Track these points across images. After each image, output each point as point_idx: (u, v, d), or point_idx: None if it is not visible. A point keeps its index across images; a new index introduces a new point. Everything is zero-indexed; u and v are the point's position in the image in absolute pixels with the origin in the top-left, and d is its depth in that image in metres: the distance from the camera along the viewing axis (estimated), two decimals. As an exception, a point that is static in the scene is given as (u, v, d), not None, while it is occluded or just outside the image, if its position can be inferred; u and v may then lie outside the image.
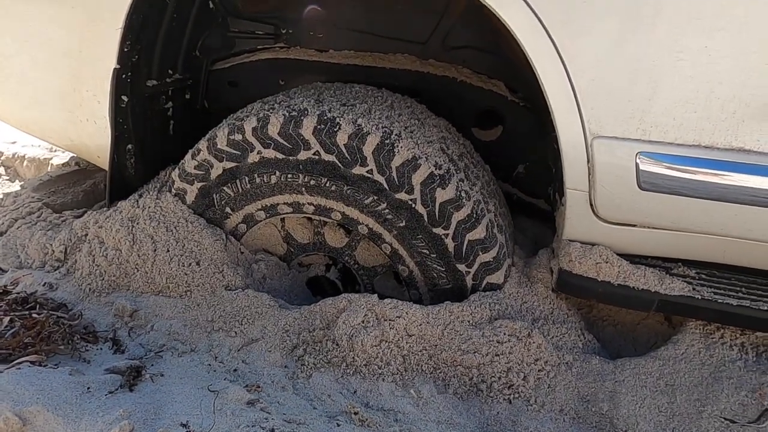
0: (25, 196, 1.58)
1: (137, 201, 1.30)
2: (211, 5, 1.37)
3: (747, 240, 1.01)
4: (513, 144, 1.46)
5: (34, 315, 1.11)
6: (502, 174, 1.48)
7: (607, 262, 1.08)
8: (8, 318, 1.09)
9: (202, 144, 1.21)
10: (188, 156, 1.24)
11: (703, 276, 1.10)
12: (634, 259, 1.12)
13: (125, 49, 1.21)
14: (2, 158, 1.98)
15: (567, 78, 0.97)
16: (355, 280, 1.34)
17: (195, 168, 1.23)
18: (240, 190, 1.21)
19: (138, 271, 1.23)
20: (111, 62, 1.22)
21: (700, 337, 1.09)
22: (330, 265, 1.38)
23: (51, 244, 1.35)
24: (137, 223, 1.26)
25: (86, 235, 1.32)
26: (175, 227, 1.24)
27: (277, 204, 1.22)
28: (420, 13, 1.38)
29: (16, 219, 1.47)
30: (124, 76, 1.24)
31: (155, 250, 1.23)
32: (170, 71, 1.40)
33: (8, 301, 1.21)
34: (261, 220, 1.26)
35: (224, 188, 1.22)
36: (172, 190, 1.28)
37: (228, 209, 1.25)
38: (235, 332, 1.13)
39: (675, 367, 1.06)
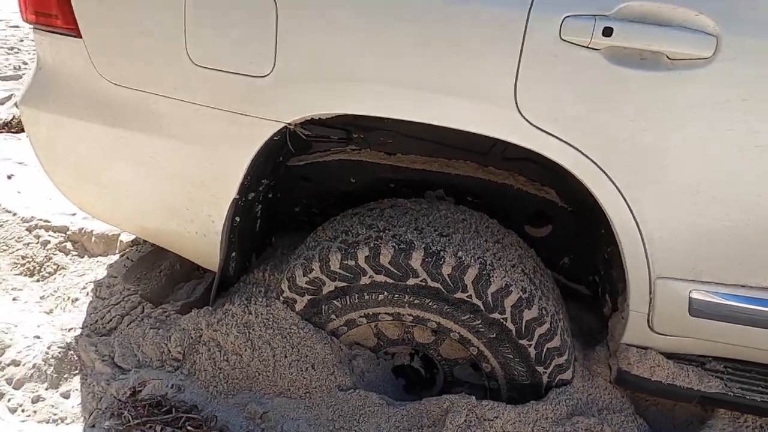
0: (120, 287, 1.72)
1: (247, 307, 1.48)
2: (304, 137, 1.54)
3: (769, 350, 1.29)
4: (561, 240, 1.70)
5: (196, 417, 1.29)
6: (548, 264, 1.72)
7: (659, 366, 1.34)
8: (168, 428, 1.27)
9: (315, 264, 1.40)
10: (299, 271, 1.43)
11: (730, 369, 1.38)
12: (677, 356, 1.39)
13: (245, 183, 1.38)
14: (69, 233, 2.08)
15: (637, 230, 1.21)
16: (435, 365, 1.57)
17: (306, 283, 1.42)
18: (348, 302, 1.41)
19: (260, 375, 1.42)
20: (232, 193, 1.39)
21: (729, 421, 1.37)
22: (413, 353, 1.60)
23: (167, 344, 1.51)
24: (253, 330, 1.44)
25: (201, 337, 1.49)
26: (288, 334, 1.43)
27: (379, 313, 1.42)
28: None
29: (123, 315, 1.62)
30: (240, 202, 1.42)
31: (274, 356, 1.42)
32: (263, 180, 1.57)
33: (144, 405, 1.38)
34: (361, 325, 1.47)
35: (334, 301, 1.42)
36: (281, 297, 1.47)
37: (333, 316, 1.45)
38: (355, 431, 1.34)
39: (710, 446, 1.35)
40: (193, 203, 1.45)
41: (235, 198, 1.39)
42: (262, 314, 1.45)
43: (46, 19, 1.39)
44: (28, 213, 2.16)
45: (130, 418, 1.33)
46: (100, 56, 1.36)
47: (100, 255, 2.03)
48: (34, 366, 1.52)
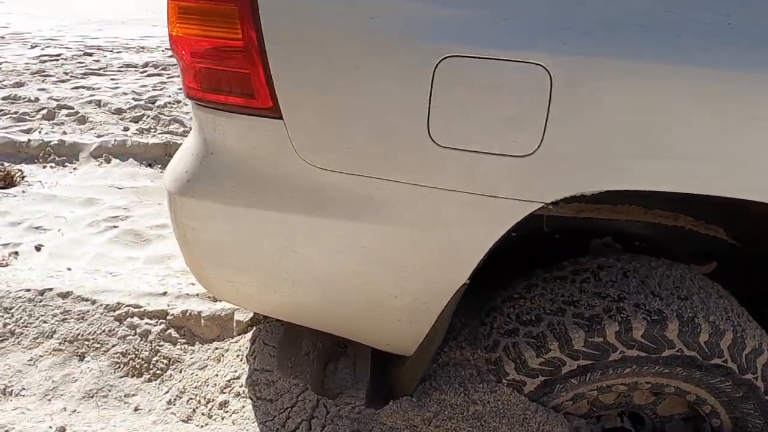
0: (284, 383, 1.51)
1: (467, 395, 1.35)
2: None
3: None
4: (725, 275, 1.71)
5: None
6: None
7: None
8: None
9: (552, 344, 1.30)
10: (529, 353, 1.32)
11: None
12: None
13: (478, 266, 1.24)
14: (170, 318, 1.81)
15: None
16: (642, 422, 1.53)
17: (541, 364, 1.32)
18: (587, 379, 1.33)
19: (506, 470, 1.30)
20: (462, 279, 1.25)
21: None
22: (621, 414, 1.54)
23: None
24: (486, 422, 1.32)
25: (420, 435, 1.35)
26: (524, 421, 1.32)
27: (614, 385, 1.35)
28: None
29: (308, 419, 1.42)
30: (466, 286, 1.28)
31: (517, 448, 1.30)
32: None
33: None
34: (589, 398, 1.39)
35: (571, 379, 1.33)
36: (505, 380, 1.35)
37: (563, 393, 1.36)
38: None
39: None
40: (404, 291, 1.29)
41: (464, 283, 1.25)
42: (489, 402, 1.33)
43: (233, 98, 1.17)
44: (109, 299, 1.85)
45: None
46: (304, 138, 1.17)
47: (215, 340, 1.79)
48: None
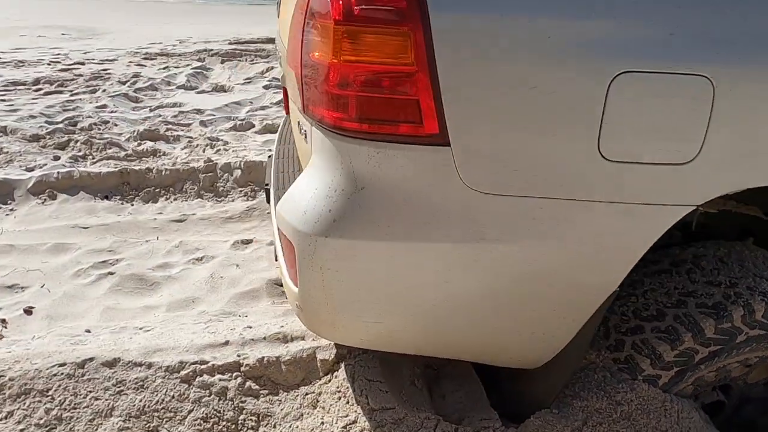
0: (415, 419, 1.43)
1: (610, 397, 1.38)
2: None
3: None
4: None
5: None
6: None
7: None
8: None
9: (686, 336, 1.37)
10: (663, 347, 1.38)
11: None
12: None
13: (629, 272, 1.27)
14: (244, 368, 1.63)
15: None
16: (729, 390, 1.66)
17: (675, 356, 1.38)
18: (712, 364, 1.41)
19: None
20: (612, 287, 1.27)
21: None
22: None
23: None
24: (635, 420, 1.36)
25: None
26: (668, 413, 1.38)
27: (730, 364, 1.46)
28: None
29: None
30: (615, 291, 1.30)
31: (668, 441, 1.36)
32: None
33: None
34: (708, 380, 1.48)
35: (700, 366, 1.41)
36: (640, 377, 1.40)
37: (689, 380, 1.44)
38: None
39: None
40: (548, 304, 1.28)
41: (615, 291, 1.27)
42: (632, 401, 1.37)
43: (397, 127, 1.08)
44: (166, 359, 1.63)
45: None
46: (470, 163, 1.11)
47: (300, 385, 1.65)
48: None
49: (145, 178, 3.17)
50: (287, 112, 2.82)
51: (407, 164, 1.11)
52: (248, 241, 2.52)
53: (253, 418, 1.55)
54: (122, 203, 3.02)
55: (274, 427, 1.54)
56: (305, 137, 1.34)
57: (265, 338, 1.73)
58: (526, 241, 1.19)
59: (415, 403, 1.52)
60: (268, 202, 2.10)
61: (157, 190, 3.14)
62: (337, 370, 1.64)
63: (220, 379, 1.60)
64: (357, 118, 1.08)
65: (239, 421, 1.54)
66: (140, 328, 1.85)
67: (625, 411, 1.36)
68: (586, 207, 1.17)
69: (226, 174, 3.25)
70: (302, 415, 1.56)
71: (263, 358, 1.64)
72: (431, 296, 1.25)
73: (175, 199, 3.10)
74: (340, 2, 1.01)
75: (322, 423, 1.51)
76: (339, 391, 1.57)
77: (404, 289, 1.23)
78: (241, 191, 3.17)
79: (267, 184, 1.97)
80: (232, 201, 3.10)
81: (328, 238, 1.16)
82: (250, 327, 1.80)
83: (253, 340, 1.72)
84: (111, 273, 2.24)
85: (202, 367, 1.61)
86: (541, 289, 1.26)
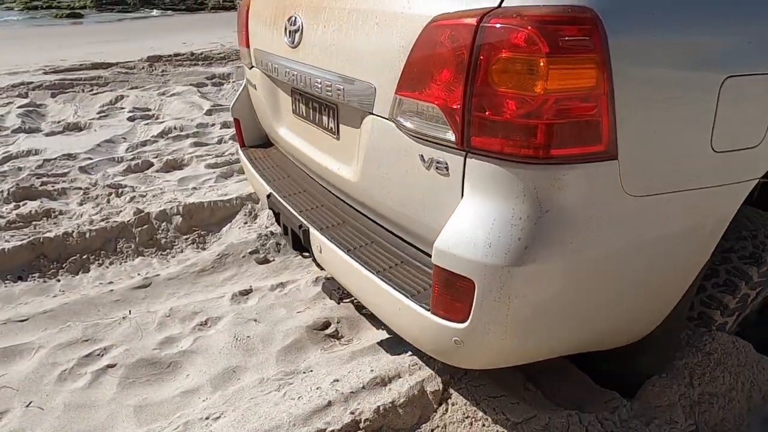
0: (558, 418, 1.49)
1: (702, 350, 1.61)
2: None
3: None
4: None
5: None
6: None
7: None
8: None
9: (740, 283, 1.65)
10: (728, 298, 1.65)
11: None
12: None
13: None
14: (364, 426, 1.51)
15: None
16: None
17: (736, 303, 1.66)
18: (756, 302, 1.72)
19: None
20: (706, 258, 1.48)
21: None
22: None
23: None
24: (725, 363, 1.61)
25: (692, 395, 1.55)
26: (735, 349, 1.65)
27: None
28: None
29: None
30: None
31: (751, 384, 1.63)
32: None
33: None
34: (750, 319, 1.80)
35: (749, 306, 1.71)
36: (713, 327, 1.66)
37: (739, 319, 1.74)
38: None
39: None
40: (671, 280, 1.46)
41: (708, 259, 1.49)
42: (718, 348, 1.62)
43: (580, 148, 1.13)
44: (279, 440, 1.43)
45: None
46: (630, 172, 1.22)
47: (420, 423, 1.59)
48: None
49: (64, 245, 2.64)
50: (242, 145, 2.61)
51: (584, 181, 1.18)
52: (247, 291, 2.28)
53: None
54: (45, 281, 2.49)
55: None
56: (436, 168, 1.30)
57: (363, 387, 1.63)
58: (670, 231, 1.34)
59: (541, 404, 1.58)
60: (296, 247, 1.93)
61: (84, 256, 2.64)
62: (449, 398, 1.62)
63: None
64: (546, 145, 1.11)
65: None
66: (207, 418, 1.58)
67: (715, 358, 1.61)
68: (702, 192, 1.36)
69: (164, 223, 2.86)
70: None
71: (378, 407, 1.55)
72: (605, 297, 1.33)
73: (111, 263, 2.64)
74: (545, 36, 1.03)
75: None
76: (467, 417, 1.56)
77: (586, 298, 1.29)
78: (187, 239, 2.83)
79: (300, 226, 1.82)
80: (182, 252, 2.75)
81: (521, 267, 1.16)
82: (338, 380, 1.67)
83: (353, 392, 1.60)
84: (110, 365, 1.86)
85: (322, 436, 1.46)
86: (669, 266, 1.42)
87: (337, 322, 2.06)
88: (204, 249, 2.78)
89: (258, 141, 2.66)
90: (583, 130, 1.13)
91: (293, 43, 1.77)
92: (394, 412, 1.57)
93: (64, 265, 2.59)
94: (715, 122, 1.29)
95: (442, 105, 1.21)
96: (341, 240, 1.68)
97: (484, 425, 1.54)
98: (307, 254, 1.99)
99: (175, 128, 4.62)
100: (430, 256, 1.34)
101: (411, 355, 1.76)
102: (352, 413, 1.54)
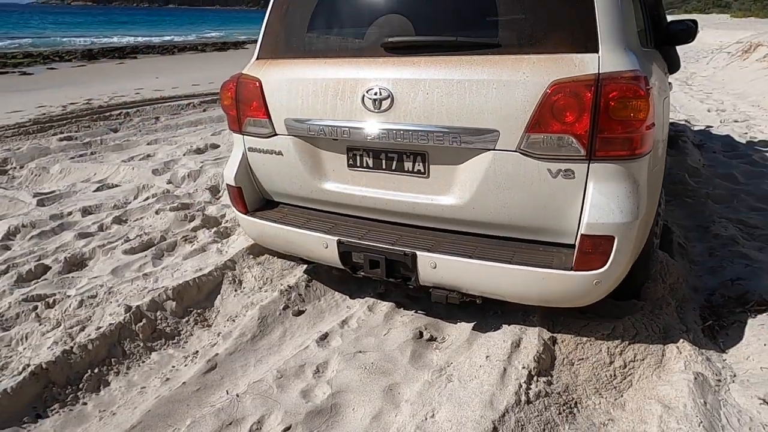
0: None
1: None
2: None
3: None
4: None
5: None
6: None
7: None
8: None
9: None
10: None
11: None
12: None
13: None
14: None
15: None
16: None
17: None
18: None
19: None
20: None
21: None
22: None
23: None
24: None
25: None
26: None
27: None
28: None
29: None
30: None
31: None
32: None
33: None
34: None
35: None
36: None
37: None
38: None
39: None
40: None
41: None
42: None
43: (648, 148, 1.98)
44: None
45: None
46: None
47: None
48: None
49: (69, 365, 2.27)
50: (245, 212, 2.71)
51: (646, 165, 2.03)
52: (324, 336, 2.46)
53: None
54: (70, 409, 2.14)
55: (575, 390, 2.10)
56: (563, 176, 1.97)
57: (511, 351, 2.15)
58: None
59: (609, 317, 2.39)
60: (390, 275, 2.25)
61: (96, 370, 2.33)
62: (556, 341, 2.29)
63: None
64: (641, 147, 1.92)
65: (566, 401, 2.02)
66: (425, 419, 1.87)
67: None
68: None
69: (158, 312, 2.68)
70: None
71: (533, 358, 2.11)
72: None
73: (128, 369, 2.40)
74: (642, 87, 1.83)
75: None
76: (578, 343, 2.25)
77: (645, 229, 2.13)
78: (188, 321, 2.72)
79: (405, 253, 2.21)
80: (192, 335, 2.66)
81: (638, 220, 1.94)
82: (488, 356, 2.14)
83: (508, 357, 2.12)
84: (286, 429, 1.90)
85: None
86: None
87: (425, 329, 2.48)
88: (209, 326, 2.73)
89: (255, 206, 2.80)
90: (648, 138, 1.98)
91: (379, 108, 2.18)
92: (547, 353, 2.16)
93: (80, 386, 2.24)
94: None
95: (572, 133, 1.91)
96: (456, 251, 2.17)
97: (588, 341, 2.26)
98: (395, 279, 2.34)
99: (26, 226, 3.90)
100: (540, 242, 2.04)
101: (498, 330, 2.36)
102: (524, 367, 2.07)
